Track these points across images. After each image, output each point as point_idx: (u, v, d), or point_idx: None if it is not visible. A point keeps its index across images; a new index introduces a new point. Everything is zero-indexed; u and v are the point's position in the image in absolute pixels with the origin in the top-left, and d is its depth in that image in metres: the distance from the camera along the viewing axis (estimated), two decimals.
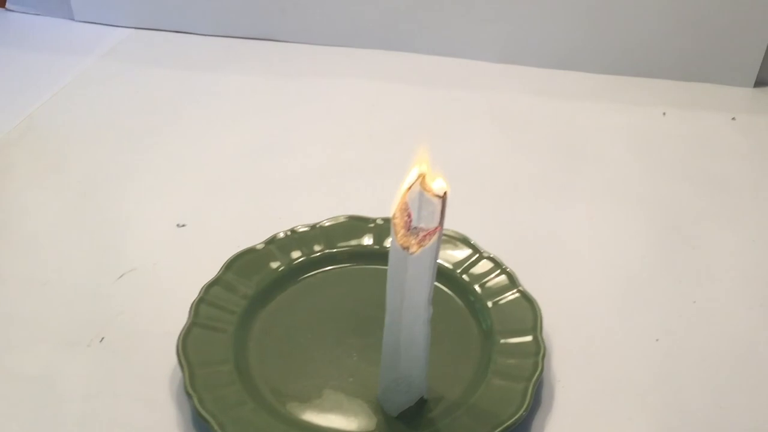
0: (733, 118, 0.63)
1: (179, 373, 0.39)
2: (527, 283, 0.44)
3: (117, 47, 0.73)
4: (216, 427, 0.35)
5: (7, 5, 0.78)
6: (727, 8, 0.64)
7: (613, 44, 0.68)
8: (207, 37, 0.74)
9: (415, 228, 0.33)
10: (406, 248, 0.33)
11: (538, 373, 0.38)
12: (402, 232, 0.33)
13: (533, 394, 0.37)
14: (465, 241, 0.46)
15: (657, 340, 0.43)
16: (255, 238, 0.47)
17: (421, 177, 0.34)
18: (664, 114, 0.64)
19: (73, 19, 0.76)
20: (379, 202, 0.50)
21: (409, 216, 0.34)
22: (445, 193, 0.33)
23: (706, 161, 0.58)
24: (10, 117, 0.62)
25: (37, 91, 0.65)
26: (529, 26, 0.68)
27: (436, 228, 0.33)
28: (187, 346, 0.40)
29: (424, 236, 0.33)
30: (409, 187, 0.34)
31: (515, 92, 0.66)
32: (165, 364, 0.41)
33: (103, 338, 0.43)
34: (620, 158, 0.58)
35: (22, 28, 0.76)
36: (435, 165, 0.35)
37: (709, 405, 0.40)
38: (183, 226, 0.51)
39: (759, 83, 0.67)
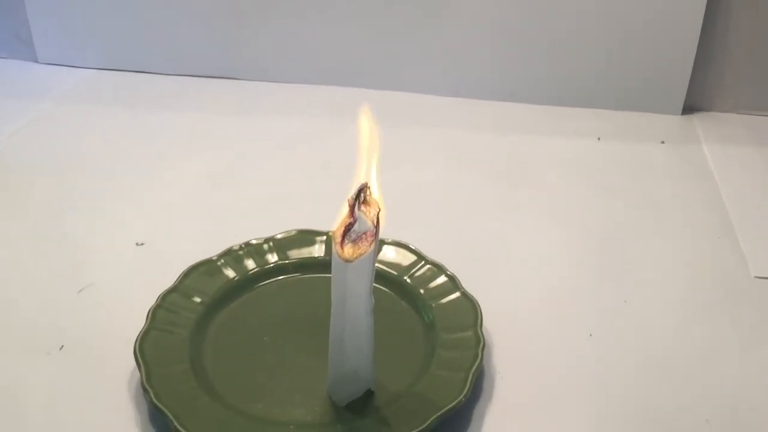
0: (663, 142, 0.68)
1: (137, 376, 0.41)
2: (470, 288, 0.46)
3: (78, 87, 0.75)
4: (171, 417, 0.37)
5: None
6: (655, 43, 0.69)
7: (551, 78, 0.73)
8: (167, 76, 0.77)
9: (352, 232, 0.36)
10: (344, 259, 0.35)
11: (477, 363, 0.41)
12: (339, 238, 0.36)
13: (473, 382, 0.40)
14: (410, 250, 0.49)
15: (590, 335, 0.46)
16: (212, 254, 0.49)
17: (363, 186, 0.37)
18: (598, 139, 0.68)
19: (36, 61, 0.79)
20: (331, 220, 0.53)
21: (351, 222, 0.36)
22: (369, 194, 0.36)
23: (637, 180, 0.62)
24: None
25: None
26: (474, 62, 0.73)
27: (372, 232, 0.36)
28: (144, 347, 0.41)
29: (359, 238, 0.36)
30: (355, 196, 0.37)
31: (463, 122, 0.71)
32: (123, 368, 0.42)
33: (62, 346, 0.44)
34: (559, 179, 0.62)
35: None
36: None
37: (637, 393, 0.42)
38: (142, 244, 0.53)
39: (686, 111, 0.72)
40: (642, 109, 0.72)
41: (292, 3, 0.72)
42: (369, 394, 0.40)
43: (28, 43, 0.78)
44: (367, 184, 0.37)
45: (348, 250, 0.36)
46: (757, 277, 0.51)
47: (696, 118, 0.72)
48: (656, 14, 0.68)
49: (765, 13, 0.69)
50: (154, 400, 0.38)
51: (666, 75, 0.71)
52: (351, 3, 0.72)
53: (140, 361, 0.40)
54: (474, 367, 0.40)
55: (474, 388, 0.40)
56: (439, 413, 0.38)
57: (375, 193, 0.38)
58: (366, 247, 0.36)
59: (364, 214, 0.36)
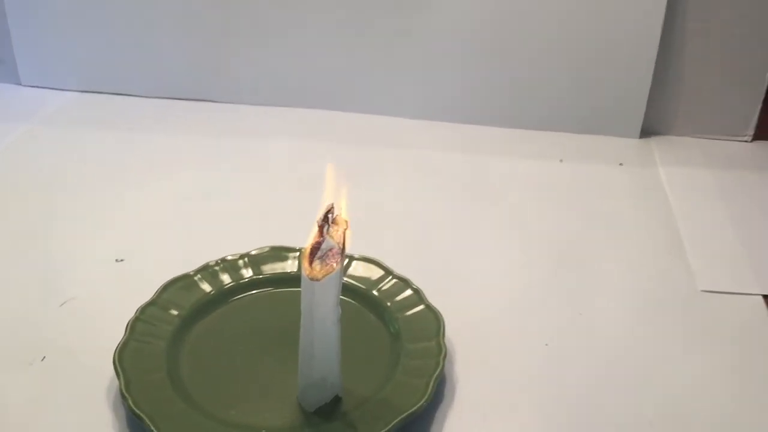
0: (621, 164, 0.71)
1: (116, 385, 0.43)
2: (434, 300, 0.49)
3: (61, 109, 0.78)
4: (149, 423, 0.39)
5: None
6: (614, 71, 0.73)
7: (516, 101, 0.76)
8: (147, 98, 0.79)
9: (320, 250, 0.38)
10: (311, 278, 0.38)
11: (438, 370, 0.43)
12: (308, 257, 0.38)
13: (434, 387, 0.42)
14: (378, 265, 0.52)
15: (546, 344, 0.49)
16: (189, 269, 0.51)
17: (329, 207, 0.40)
18: (561, 161, 0.71)
19: (20, 84, 0.81)
20: (303, 236, 0.55)
21: (320, 240, 0.39)
22: (339, 215, 0.39)
23: (595, 200, 0.66)
24: None
25: None
26: (442, 87, 0.76)
27: (338, 250, 0.38)
28: (124, 357, 0.44)
29: (326, 255, 0.38)
30: (323, 216, 0.39)
31: (430, 144, 0.74)
32: (103, 377, 0.44)
33: (44, 357, 0.46)
34: (521, 198, 0.66)
35: None
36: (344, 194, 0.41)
37: (589, 401, 0.45)
38: (121, 260, 0.55)
39: (643, 134, 0.76)
40: (602, 132, 0.76)
41: (268, 28, 0.75)
42: (337, 400, 0.43)
43: (11, 66, 0.80)
44: (333, 204, 0.40)
45: (317, 267, 0.39)
46: (703, 290, 0.54)
47: (653, 142, 0.76)
48: (611, 49, 0.72)
49: (717, 42, 0.73)
50: (133, 406, 0.40)
51: (624, 100, 0.75)
52: (325, 30, 0.75)
53: (119, 370, 0.43)
54: (435, 374, 0.43)
55: (435, 394, 0.43)
56: (401, 417, 0.40)
57: (342, 213, 0.40)
58: (333, 266, 0.39)
59: (331, 235, 0.39)
